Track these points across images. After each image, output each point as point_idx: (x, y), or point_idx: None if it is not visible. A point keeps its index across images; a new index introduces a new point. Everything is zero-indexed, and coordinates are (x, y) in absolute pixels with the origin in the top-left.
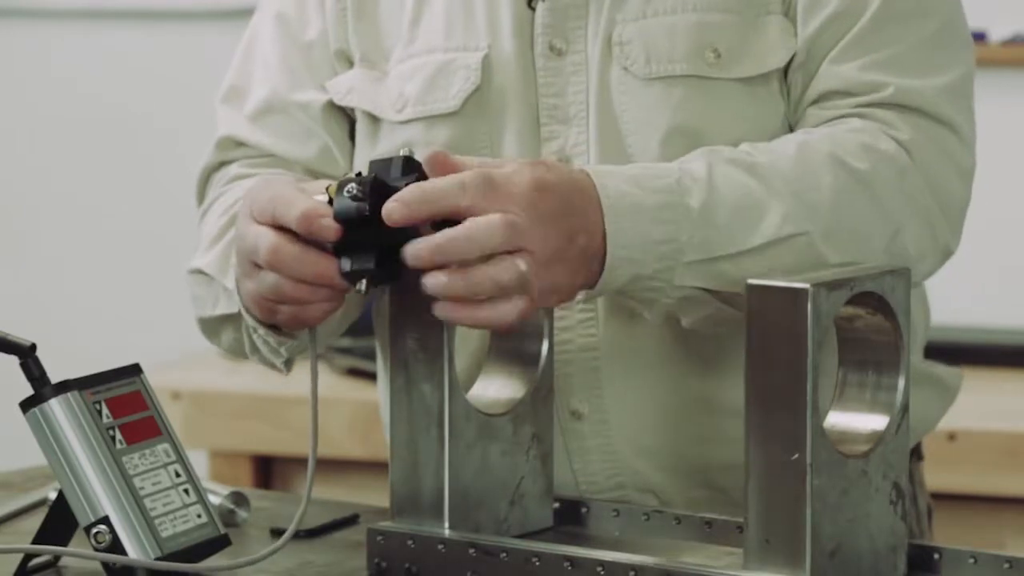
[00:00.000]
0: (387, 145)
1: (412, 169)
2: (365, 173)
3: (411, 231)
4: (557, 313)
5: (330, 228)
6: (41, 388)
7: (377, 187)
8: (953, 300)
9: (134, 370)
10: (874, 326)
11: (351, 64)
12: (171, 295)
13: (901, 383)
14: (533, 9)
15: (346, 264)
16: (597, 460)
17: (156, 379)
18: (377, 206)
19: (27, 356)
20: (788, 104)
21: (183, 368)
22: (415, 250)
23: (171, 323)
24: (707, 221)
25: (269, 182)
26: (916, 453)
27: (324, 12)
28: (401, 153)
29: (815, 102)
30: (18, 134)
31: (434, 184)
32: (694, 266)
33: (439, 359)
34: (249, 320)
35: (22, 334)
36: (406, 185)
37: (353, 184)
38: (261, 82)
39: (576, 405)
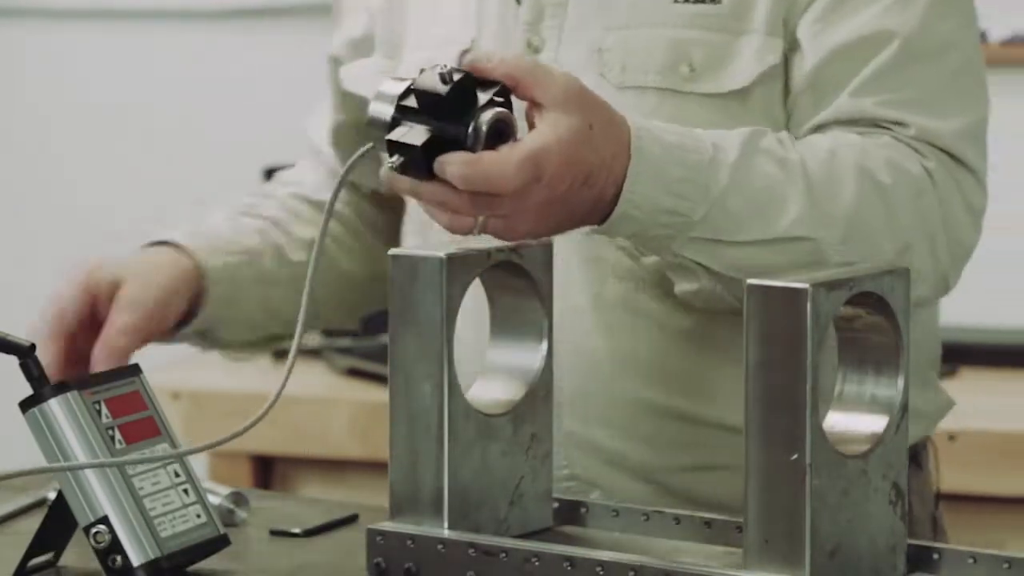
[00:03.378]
0: None
1: (502, 92)
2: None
3: (463, 138)
4: None
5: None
6: (40, 388)
7: (461, 84)
8: (953, 300)
9: (133, 370)
10: (874, 326)
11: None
12: None
13: (901, 383)
14: (520, 3)
15: (398, 133)
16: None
17: (156, 379)
18: (455, 97)
19: (27, 356)
20: (790, 119)
21: (183, 368)
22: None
23: None
24: (723, 206)
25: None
26: (915, 461)
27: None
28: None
29: (839, 124)
30: (19, 133)
31: (486, 171)
32: (697, 242)
33: (439, 359)
34: None
35: (22, 334)
36: (490, 100)
37: (448, 66)
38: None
39: None
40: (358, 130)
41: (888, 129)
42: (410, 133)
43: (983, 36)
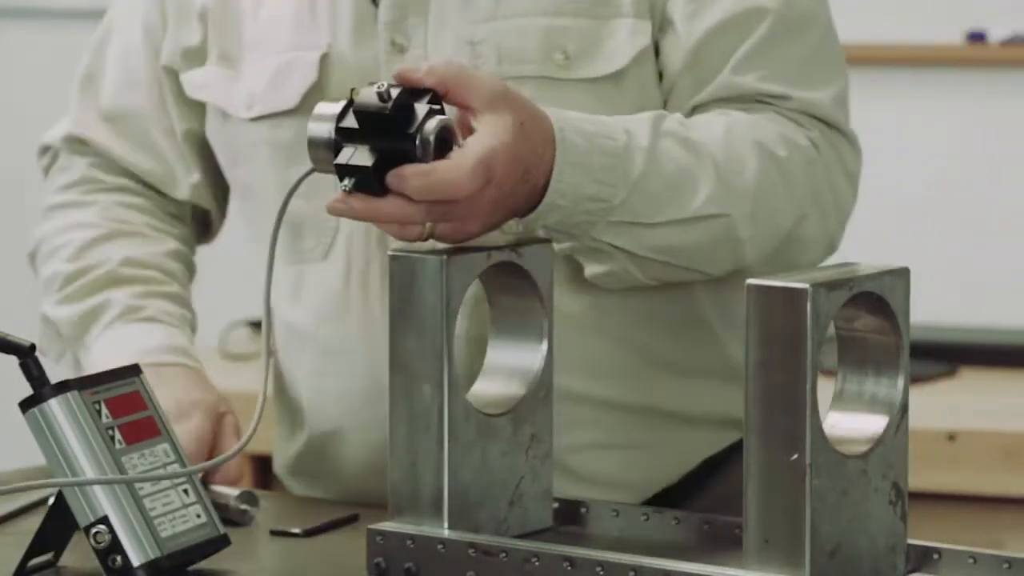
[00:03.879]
0: (239, 143)
1: (434, 99)
2: (390, 98)
3: (411, 152)
4: None
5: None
6: (40, 388)
7: (402, 100)
8: (950, 300)
9: (133, 370)
10: (873, 326)
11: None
12: None
13: (900, 383)
14: (377, 5)
15: (345, 155)
16: None
17: None
18: (396, 114)
19: (27, 356)
20: (668, 100)
21: None
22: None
23: None
24: (642, 190)
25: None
26: None
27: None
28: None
29: (721, 101)
30: (21, 133)
31: (443, 179)
32: (615, 226)
33: (439, 359)
34: None
35: (22, 334)
36: (427, 111)
37: (385, 84)
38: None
39: None
40: (202, 139)
41: (770, 104)
42: (357, 154)
43: (983, 36)
